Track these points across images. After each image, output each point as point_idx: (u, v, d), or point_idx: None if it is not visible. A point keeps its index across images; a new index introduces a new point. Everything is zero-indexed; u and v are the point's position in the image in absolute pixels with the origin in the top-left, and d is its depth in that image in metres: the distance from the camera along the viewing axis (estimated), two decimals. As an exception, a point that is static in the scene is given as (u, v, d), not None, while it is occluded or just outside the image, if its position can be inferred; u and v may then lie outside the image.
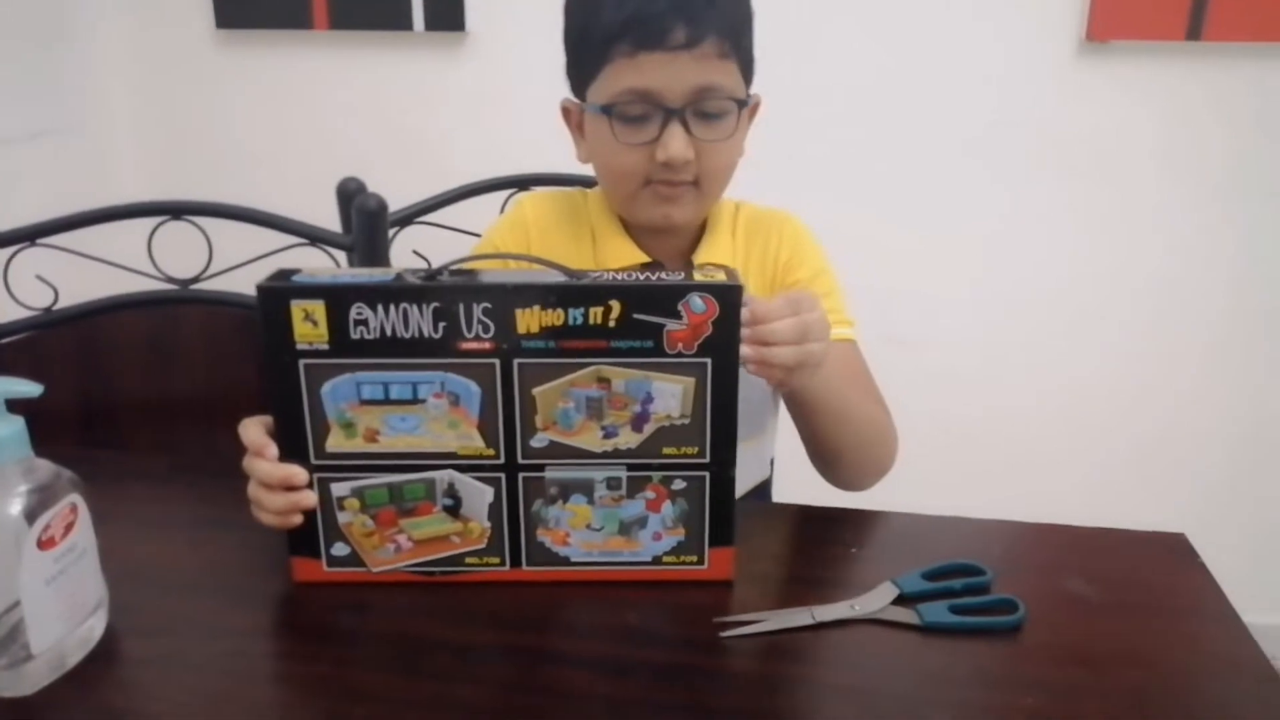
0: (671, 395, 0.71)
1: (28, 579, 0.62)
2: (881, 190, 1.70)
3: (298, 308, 0.69)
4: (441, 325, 0.69)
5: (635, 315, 0.69)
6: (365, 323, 0.69)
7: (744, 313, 0.70)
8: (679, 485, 0.74)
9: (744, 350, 0.71)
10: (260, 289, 0.70)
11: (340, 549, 0.75)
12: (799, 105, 1.58)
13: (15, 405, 0.64)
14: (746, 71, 0.89)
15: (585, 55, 0.88)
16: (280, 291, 0.69)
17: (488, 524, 0.75)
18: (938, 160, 1.68)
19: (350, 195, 1.21)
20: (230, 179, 1.75)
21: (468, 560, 0.76)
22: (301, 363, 0.70)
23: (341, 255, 1.24)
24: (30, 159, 1.59)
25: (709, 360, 0.70)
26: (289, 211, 1.20)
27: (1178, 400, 1.76)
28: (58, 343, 1.17)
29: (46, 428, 0.67)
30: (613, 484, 0.74)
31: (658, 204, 0.90)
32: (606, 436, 0.72)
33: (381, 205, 1.19)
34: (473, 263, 0.81)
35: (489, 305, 0.69)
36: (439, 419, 0.72)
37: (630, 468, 0.73)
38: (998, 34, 1.61)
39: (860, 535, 0.85)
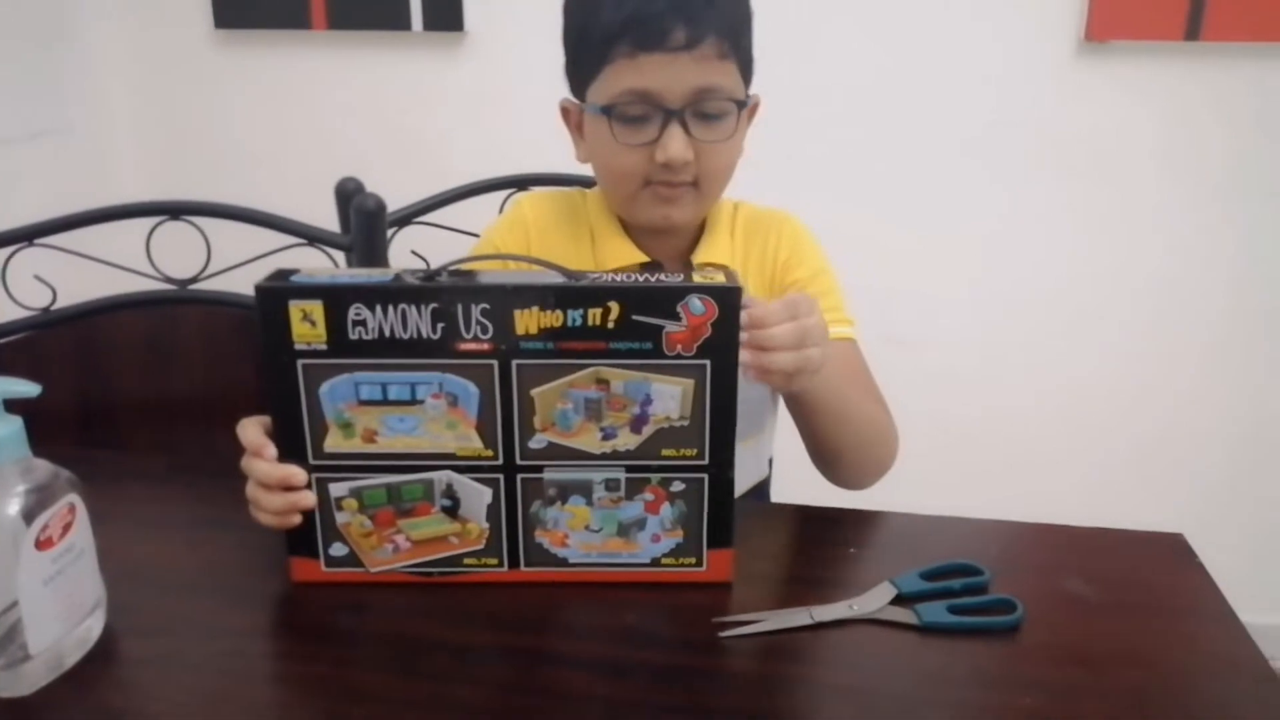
0: (670, 397, 0.71)
1: (25, 579, 0.62)
2: (880, 190, 1.70)
3: (296, 308, 0.69)
4: (440, 326, 0.69)
5: (634, 317, 0.69)
6: (364, 323, 0.69)
7: (742, 316, 0.69)
8: (678, 487, 0.74)
9: (742, 356, 0.71)
10: (259, 289, 0.70)
11: (338, 549, 0.75)
12: (798, 105, 1.58)
13: (13, 405, 0.64)
14: (746, 72, 0.89)
15: (585, 56, 0.88)
16: (279, 292, 0.69)
17: (486, 525, 0.75)
18: (937, 160, 1.68)
19: (349, 195, 1.21)
20: (229, 179, 1.75)
21: (466, 561, 0.76)
22: (300, 363, 0.70)
23: (340, 255, 1.24)
24: (29, 159, 1.59)
25: (708, 362, 0.70)
26: (288, 211, 1.20)
27: (1177, 400, 1.76)
28: (56, 343, 1.17)
29: (45, 428, 0.67)
30: (611, 485, 0.74)
31: (657, 205, 0.90)
32: (605, 438, 0.72)
33: (380, 205, 1.19)
34: (471, 263, 0.81)
35: (488, 306, 0.69)
36: (437, 420, 0.72)
37: (629, 469, 0.73)
38: (996, 34, 1.61)
39: (859, 535, 0.86)
